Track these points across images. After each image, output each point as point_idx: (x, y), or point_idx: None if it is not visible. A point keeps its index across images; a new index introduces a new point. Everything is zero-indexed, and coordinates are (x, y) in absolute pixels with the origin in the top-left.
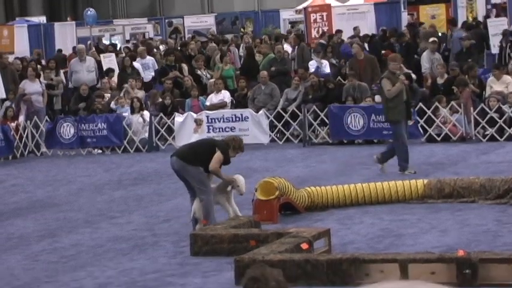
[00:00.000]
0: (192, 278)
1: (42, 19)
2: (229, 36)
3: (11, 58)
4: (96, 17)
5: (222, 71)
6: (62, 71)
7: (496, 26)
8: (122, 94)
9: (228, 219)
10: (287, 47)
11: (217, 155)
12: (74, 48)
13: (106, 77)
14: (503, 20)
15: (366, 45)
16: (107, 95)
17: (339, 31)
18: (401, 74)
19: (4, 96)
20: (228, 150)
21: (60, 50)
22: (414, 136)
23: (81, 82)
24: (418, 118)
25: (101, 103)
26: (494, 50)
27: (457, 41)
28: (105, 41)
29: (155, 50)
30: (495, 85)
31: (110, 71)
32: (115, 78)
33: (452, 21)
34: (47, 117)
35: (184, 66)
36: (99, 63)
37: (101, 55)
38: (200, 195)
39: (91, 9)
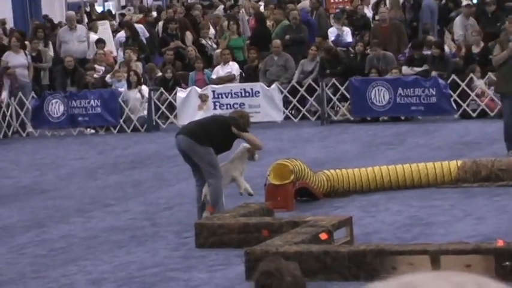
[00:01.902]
0: (197, 272)
1: None
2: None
3: None
4: None
5: (229, 41)
6: (50, 42)
7: None
8: (117, 66)
9: (237, 206)
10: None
11: (247, 134)
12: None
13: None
14: None
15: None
16: (101, 68)
17: None
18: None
19: None
20: (244, 128)
21: (45, 16)
22: (447, 112)
23: (71, 53)
24: (451, 92)
25: (93, 76)
26: None
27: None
28: (98, 8)
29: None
30: None
31: (100, 41)
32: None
33: None
34: (33, 93)
35: (188, 35)
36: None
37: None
38: (209, 179)
39: None
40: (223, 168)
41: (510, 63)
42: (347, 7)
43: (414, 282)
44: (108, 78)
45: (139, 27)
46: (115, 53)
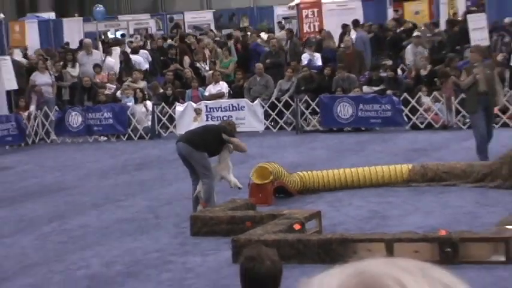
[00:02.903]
0: (192, 256)
1: (51, 15)
2: (226, 31)
3: (17, 53)
4: (105, 13)
5: (221, 62)
6: (77, 63)
7: (476, 21)
8: (126, 85)
9: (226, 201)
10: (282, 34)
11: (235, 139)
12: (80, 41)
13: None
14: (482, 15)
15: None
16: (112, 86)
17: (357, 22)
18: (480, 65)
19: (16, 87)
20: (232, 134)
21: (67, 44)
22: (399, 124)
23: (88, 74)
24: (403, 107)
25: (104, 94)
26: (482, 42)
27: (360, 40)
28: (111, 35)
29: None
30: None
31: (97, 66)
32: (104, 73)
33: (354, 22)
34: (56, 107)
35: (186, 59)
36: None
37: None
38: (203, 178)
39: (100, 5)
40: (214, 170)
41: (474, 87)
42: (317, 36)
43: (366, 266)
44: (118, 94)
45: (144, 52)
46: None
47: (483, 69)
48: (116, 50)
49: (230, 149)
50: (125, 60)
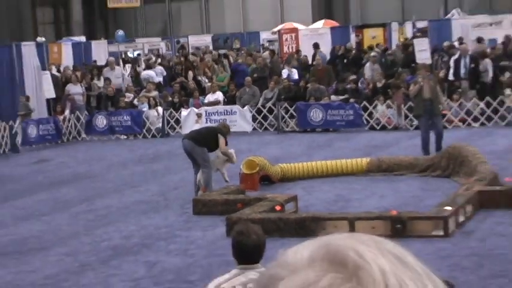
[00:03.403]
0: (194, 231)
1: (82, 38)
2: (222, 51)
3: (54, 68)
4: (125, 36)
5: (218, 77)
6: (102, 77)
7: (420, 44)
8: (141, 94)
9: (221, 188)
10: (266, 54)
11: (222, 140)
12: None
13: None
14: (425, 40)
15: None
16: (130, 95)
17: (317, 45)
18: (424, 78)
19: (54, 96)
20: (225, 135)
21: (95, 61)
22: (360, 126)
23: (111, 85)
24: (362, 112)
25: (124, 101)
26: (425, 61)
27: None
28: (130, 55)
29: (161, 61)
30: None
31: (107, 79)
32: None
33: (315, 45)
34: (86, 111)
35: (190, 74)
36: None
37: (127, 65)
38: (203, 168)
39: (121, 30)
40: (212, 162)
41: (420, 96)
42: (295, 55)
43: (332, 240)
44: (135, 101)
45: (159, 68)
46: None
47: (428, 81)
48: (128, 66)
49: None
50: (135, 75)
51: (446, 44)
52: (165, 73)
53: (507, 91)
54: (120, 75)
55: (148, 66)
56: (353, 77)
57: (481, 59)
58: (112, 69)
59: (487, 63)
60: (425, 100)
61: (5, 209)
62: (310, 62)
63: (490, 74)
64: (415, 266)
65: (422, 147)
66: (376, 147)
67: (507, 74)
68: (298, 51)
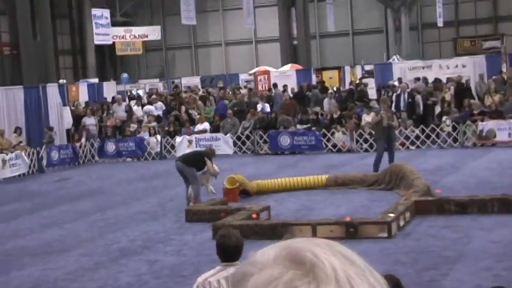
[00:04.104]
0: (186, 235)
1: (96, 80)
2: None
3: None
4: (129, 78)
5: (205, 110)
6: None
7: (369, 83)
8: (143, 125)
9: (207, 200)
10: (244, 91)
11: (209, 162)
12: (113, 98)
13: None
14: (372, 80)
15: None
16: (134, 126)
17: (275, 85)
18: (384, 109)
19: (70, 126)
20: (211, 157)
21: (105, 98)
22: (320, 149)
23: (119, 118)
24: (322, 138)
25: (129, 130)
26: (372, 97)
27: (279, 96)
28: (134, 92)
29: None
30: (367, 118)
31: (109, 113)
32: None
33: (274, 85)
34: (98, 139)
35: (183, 108)
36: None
37: (131, 101)
38: (193, 185)
39: (125, 74)
40: (199, 178)
41: (380, 123)
42: (267, 93)
43: (292, 243)
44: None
45: (159, 104)
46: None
47: (386, 112)
48: (137, 102)
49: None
50: (129, 111)
51: (391, 82)
52: (164, 108)
53: (444, 119)
54: (126, 109)
55: (149, 102)
56: (318, 109)
57: (417, 94)
58: (119, 105)
59: (419, 99)
60: (384, 128)
61: (33, 219)
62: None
63: (421, 106)
64: (359, 264)
65: (374, 164)
66: (333, 166)
67: (437, 108)
68: (270, 89)
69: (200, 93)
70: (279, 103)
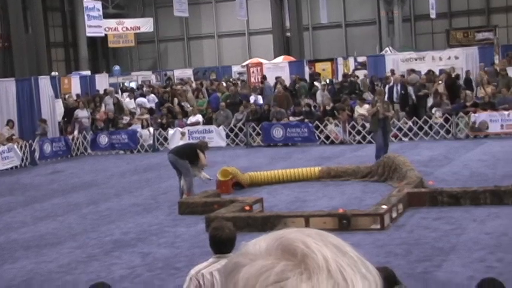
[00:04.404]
0: (179, 228)
1: (88, 72)
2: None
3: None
4: (120, 71)
5: (197, 102)
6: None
7: (361, 75)
8: (136, 117)
9: (201, 192)
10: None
11: (202, 155)
12: (105, 90)
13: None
14: (365, 71)
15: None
16: (126, 118)
17: (265, 77)
18: (380, 101)
19: (60, 119)
20: (204, 150)
21: (97, 91)
22: (313, 141)
23: (111, 110)
24: (315, 130)
25: (122, 123)
26: (364, 89)
27: (269, 88)
28: (126, 85)
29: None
30: (359, 110)
31: (97, 106)
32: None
33: (263, 77)
34: (91, 131)
35: (175, 100)
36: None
37: (124, 93)
38: (185, 177)
39: (117, 66)
40: (191, 170)
41: (376, 115)
42: (260, 85)
43: (284, 233)
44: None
45: (152, 96)
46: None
47: (382, 104)
48: (129, 94)
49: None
50: (118, 103)
51: (388, 74)
52: (156, 100)
53: (433, 111)
54: (113, 102)
55: (142, 95)
56: (310, 101)
57: (409, 86)
58: (111, 97)
59: (410, 90)
60: (380, 119)
61: (26, 211)
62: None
63: (413, 97)
64: (351, 254)
65: (376, 156)
66: (326, 158)
67: (430, 99)
68: (263, 81)
69: (194, 85)
70: (268, 95)
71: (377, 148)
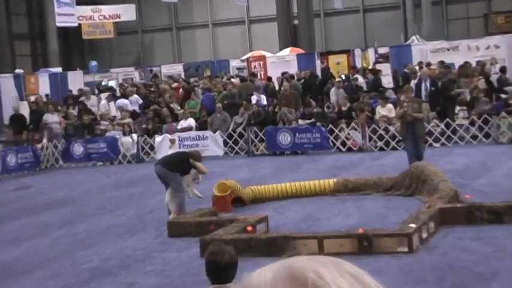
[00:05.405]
0: (169, 253)
1: (59, 69)
2: (193, 80)
3: (32, 98)
4: (98, 66)
5: (190, 104)
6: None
7: (384, 69)
8: (115, 122)
9: (194, 210)
10: (237, 81)
11: (199, 164)
12: (80, 90)
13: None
14: (387, 65)
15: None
16: (105, 123)
17: (254, 75)
18: (408, 101)
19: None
20: (198, 160)
21: (70, 91)
22: (326, 148)
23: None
24: (329, 135)
25: (100, 129)
26: (387, 85)
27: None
28: (104, 84)
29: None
30: (382, 111)
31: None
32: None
33: (252, 74)
34: (63, 139)
35: (163, 101)
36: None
37: (101, 94)
38: (177, 192)
39: (94, 61)
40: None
41: (403, 118)
42: (266, 82)
43: (293, 262)
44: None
45: (135, 97)
46: (114, 113)
47: (411, 103)
48: (105, 95)
49: (194, 176)
50: (83, 106)
51: (411, 68)
52: (140, 101)
53: (457, 110)
54: (95, 104)
55: (124, 95)
56: (313, 103)
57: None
58: (87, 99)
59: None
60: (408, 123)
61: None
62: (277, 88)
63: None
64: (372, 285)
65: (409, 162)
66: (343, 168)
67: (462, 96)
68: (269, 78)
69: (184, 84)
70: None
71: (409, 157)
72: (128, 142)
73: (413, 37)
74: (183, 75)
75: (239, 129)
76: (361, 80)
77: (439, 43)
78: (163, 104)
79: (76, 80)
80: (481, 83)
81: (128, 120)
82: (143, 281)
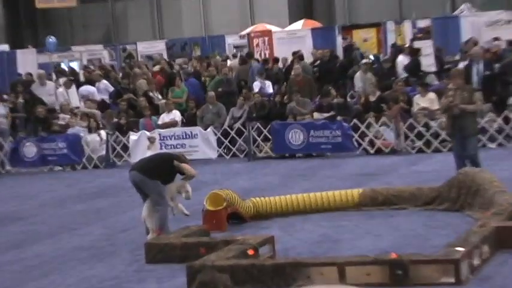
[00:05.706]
0: (147, 284)
1: (5, 47)
2: (179, 61)
3: None
4: (57, 44)
5: (174, 92)
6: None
7: (424, 48)
8: (79, 115)
9: (180, 228)
10: (235, 62)
11: (185, 165)
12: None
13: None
14: (429, 42)
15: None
16: (66, 116)
17: (250, 55)
18: (455, 89)
19: None
20: (184, 162)
21: (20, 75)
22: (350, 149)
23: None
24: (353, 133)
25: (58, 124)
26: (429, 68)
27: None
28: (64, 66)
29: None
30: (421, 102)
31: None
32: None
33: (248, 54)
34: (10, 138)
35: (140, 86)
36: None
37: (60, 79)
38: (157, 206)
39: (52, 37)
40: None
41: (450, 112)
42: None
43: None
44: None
45: (103, 83)
46: (77, 104)
47: (460, 93)
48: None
49: (179, 186)
50: (29, 93)
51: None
52: (111, 89)
53: (510, 100)
54: (52, 92)
55: (89, 81)
56: (333, 91)
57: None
58: (42, 85)
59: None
60: (456, 117)
61: None
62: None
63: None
64: None
65: (456, 167)
66: (370, 175)
67: None
68: (274, 59)
69: (166, 67)
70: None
71: (456, 162)
72: (95, 141)
73: (463, 6)
74: (165, 56)
75: (237, 125)
76: (404, 62)
77: (496, 14)
78: (140, 92)
79: (27, 61)
80: None
81: (95, 111)
82: None
